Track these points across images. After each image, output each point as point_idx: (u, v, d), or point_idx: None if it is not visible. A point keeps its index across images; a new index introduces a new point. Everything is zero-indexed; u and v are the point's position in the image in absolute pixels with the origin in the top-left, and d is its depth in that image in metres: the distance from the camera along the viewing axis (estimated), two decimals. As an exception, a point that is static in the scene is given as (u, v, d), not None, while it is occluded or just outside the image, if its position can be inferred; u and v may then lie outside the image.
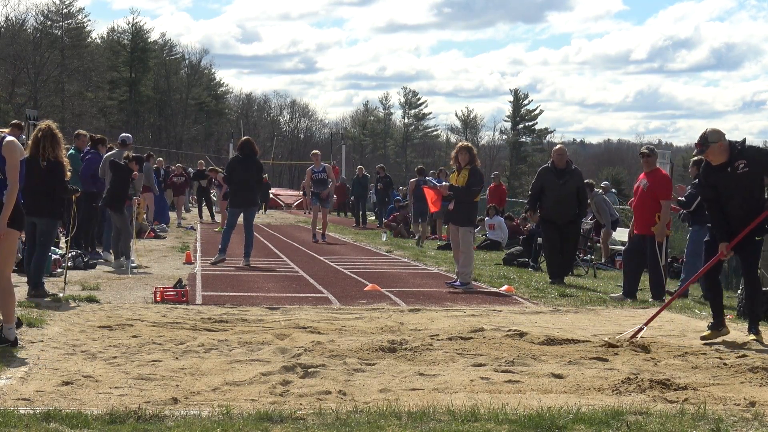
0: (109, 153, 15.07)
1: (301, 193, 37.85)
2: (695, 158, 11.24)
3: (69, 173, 10.25)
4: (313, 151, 22.41)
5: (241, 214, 14.93)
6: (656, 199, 11.94)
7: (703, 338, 8.42)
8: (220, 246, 14.87)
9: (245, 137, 16.05)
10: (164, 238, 20.53)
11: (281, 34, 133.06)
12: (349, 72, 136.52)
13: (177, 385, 6.04)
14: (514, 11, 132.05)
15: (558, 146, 14.43)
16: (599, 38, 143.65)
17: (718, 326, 8.50)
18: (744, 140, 8.49)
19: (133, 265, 13.63)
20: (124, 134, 16.62)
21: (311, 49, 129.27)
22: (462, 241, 12.68)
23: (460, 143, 13.27)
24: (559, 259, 13.66)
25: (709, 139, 8.35)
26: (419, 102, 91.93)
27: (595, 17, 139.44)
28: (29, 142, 10.33)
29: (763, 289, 10.27)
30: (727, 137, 8.40)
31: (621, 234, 19.18)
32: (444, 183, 13.90)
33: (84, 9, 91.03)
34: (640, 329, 8.43)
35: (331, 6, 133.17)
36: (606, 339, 7.98)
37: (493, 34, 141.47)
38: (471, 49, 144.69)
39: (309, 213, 23.20)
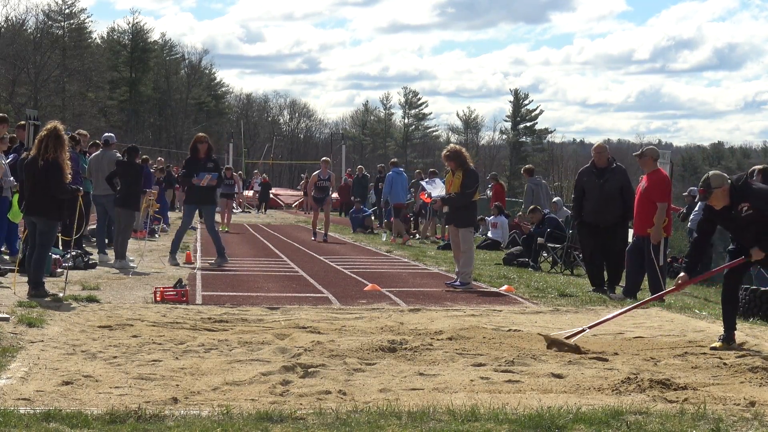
0: (96, 153, 15.02)
1: (302, 192, 37.97)
2: (760, 167, 10.89)
3: (69, 176, 10.25)
4: (324, 158, 22.49)
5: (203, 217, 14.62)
6: (653, 200, 11.73)
7: (713, 348, 8.12)
8: (217, 253, 14.45)
9: (199, 134, 15.60)
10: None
11: (284, 35, 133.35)
12: (352, 72, 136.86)
13: (177, 385, 6.04)
14: (517, 11, 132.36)
15: (597, 144, 13.04)
16: (602, 38, 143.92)
17: (728, 340, 8.18)
18: (744, 177, 8.21)
19: (132, 265, 13.64)
20: (107, 134, 16.25)
21: (314, 50, 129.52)
22: (462, 241, 12.67)
23: (445, 150, 12.95)
24: (601, 265, 12.62)
25: (713, 185, 7.99)
26: (419, 102, 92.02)
27: (598, 17, 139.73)
28: (35, 141, 10.36)
29: (762, 289, 10.31)
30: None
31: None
32: (441, 189, 13.58)
33: (86, 9, 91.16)
34: (582, 331, 8.17)
35: (334, 6, 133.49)
36: (544, 335, 7.97)
37: (495, 35, 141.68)
38: (474, 49, 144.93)
39: (309, 213, 23.28)
